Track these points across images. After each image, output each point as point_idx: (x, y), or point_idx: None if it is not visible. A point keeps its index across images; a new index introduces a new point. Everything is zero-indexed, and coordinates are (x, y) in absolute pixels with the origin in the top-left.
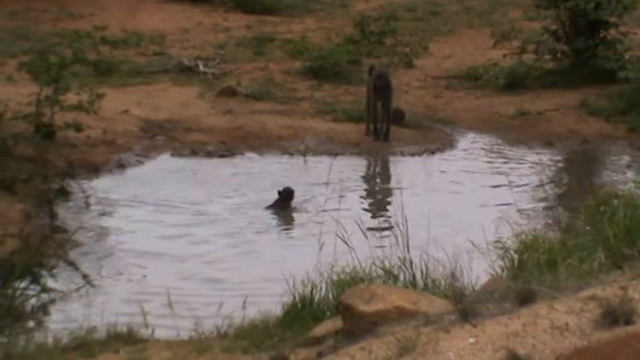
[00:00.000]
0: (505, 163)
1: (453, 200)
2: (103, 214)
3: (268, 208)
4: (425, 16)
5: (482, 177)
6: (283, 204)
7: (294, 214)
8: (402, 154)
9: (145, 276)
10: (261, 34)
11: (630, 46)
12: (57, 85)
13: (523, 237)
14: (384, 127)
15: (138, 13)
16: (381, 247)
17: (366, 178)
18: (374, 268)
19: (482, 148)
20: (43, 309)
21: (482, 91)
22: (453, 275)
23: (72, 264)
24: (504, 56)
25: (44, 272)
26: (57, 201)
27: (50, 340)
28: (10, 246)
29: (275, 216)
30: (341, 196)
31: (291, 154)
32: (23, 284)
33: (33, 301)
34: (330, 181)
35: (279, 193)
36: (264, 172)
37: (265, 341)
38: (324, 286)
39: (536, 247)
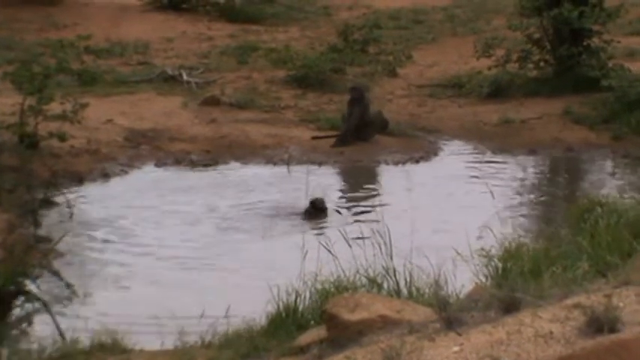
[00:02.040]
0: (489, 171)
1: (437, 208)
2: (86, 223)
3: (301, 215)
4: (408, 24)
5: (466, 185)
6: (315, 212)
7: (326, 221)
8: (386, 162)
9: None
10: (244, 43)
11: (613, 54)
12: (41, 94)
13: (507, 245)
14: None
15: (122, 23)
16: (365, 255)
17: (349, 187)
18: (358, 276)
19: (466, 157)
20: (27, 318)
21: (466, 99)
22: (437, 283)
23: (56, 273)
24: (489, 68)
25: (28, 282)
26: (41, 211)
27: (34, 349)
28: None
29: (306, 223)
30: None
31: (274, 163)
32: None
33: (17, 310)
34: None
35: (311, 202)
36: (247, 180)
37: (250, 350)
38: (308, 294)
39: (520, 255)
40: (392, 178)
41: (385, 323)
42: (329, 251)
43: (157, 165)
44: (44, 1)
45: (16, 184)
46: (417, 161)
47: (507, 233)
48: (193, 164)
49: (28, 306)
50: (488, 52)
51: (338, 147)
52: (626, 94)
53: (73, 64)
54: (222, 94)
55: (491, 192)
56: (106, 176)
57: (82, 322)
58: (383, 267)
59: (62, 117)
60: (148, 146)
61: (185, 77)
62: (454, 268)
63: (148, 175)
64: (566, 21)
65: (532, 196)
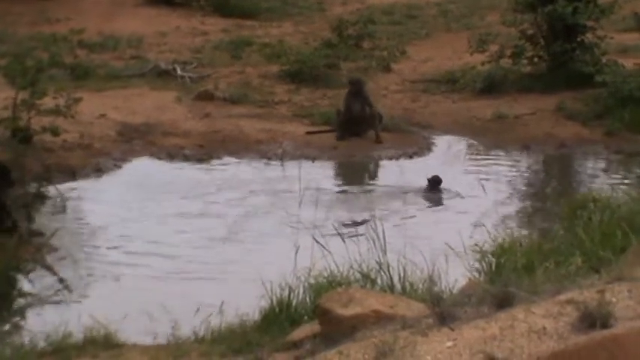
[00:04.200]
0: (482, 166)
1: (430, 203)
2: (79, 218)
3: (421, 194)
4: (402, 19)
5: (460, 180)
6: (432, 190)
7: (444, 198)
8: (380, 157)
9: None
10: (238, 38)
11: (607, 50)
12: (33, 88)
13: (500, 241)
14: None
15: (115, 17)
16: (359, 250)
17: (343, 182)
18: (351, 271)
19: (460, 152)
20: (20, 313)
21: (459, 94)
22: (430, 279)
23: (49, 268)
24: (482, 64)
25: (21, 276)
26: (34, 205)
27: (27, 344)
28: None
29: (426, 200)
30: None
31: (268, 158)
32: None
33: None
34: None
35: (429, 180)
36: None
37: (243, 345)
38: (301, 289)
39: (513, 250)
40: (384, 172)
41: (378, 318)
42: (322, 247)
43: (151, 160)
44: None
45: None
46: (411, 156)
47: (501, 229)
48: (187, 159)
49: (21, 300)
50: (482, 47)
51: (340, 140)
52: (620, 90)
53: (66, 58)
54: (216, 88)
55: (482, 187)
56: (99, 171)
57: (75, 316)
58: (376, 262)
59: (55, 111)
60: (141, 141)
61: (179, 72)
62: (447, 264)
63: (141, 169)
64: (560, 17)
65: (525, 191)
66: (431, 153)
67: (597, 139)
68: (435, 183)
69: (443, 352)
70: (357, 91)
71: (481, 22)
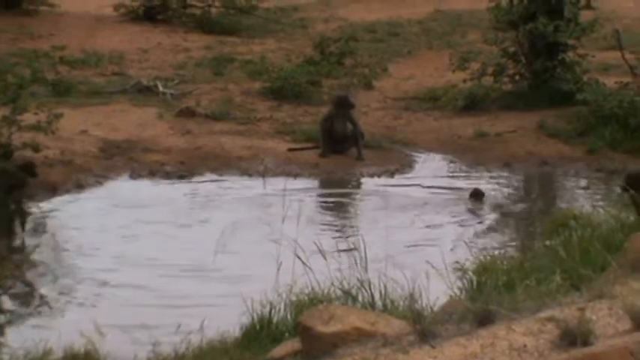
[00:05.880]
0: (463, 184)
1: (411, 221)
2: (59, 234)
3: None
4: (384, 37)
5: (440, 198)
6: (475, 202)
7: (488, 210)
8: (362, 174)
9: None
10: (220, 55)
11: (588, 68)
12: (15, 104)
13: (481, 258)
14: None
15: (97, 34)
16: (340, 268)
17: (325, 199)
18: (333, 288)
19: (441, 169)
20: (0, 329)
21: (441, 112)
22: (411, 296)
23: (29, 284)
24: (464, 81)
25: (1, 292)
26: (14, 221)
27: None
28: None
29: (471, 213)
30: None
31: (250, 175)
32: None
33: None
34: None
35: (470, 194)
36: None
37: None
38: (282, 306)
39: (494, 268)
40: (366, 189)
41: (359, 336)
42: (303, 263)
43: (132, 176)
44: (19, 11)
45: None
46: (392, 174)
47: (481, 246)
48: (168, 175)
49: (1, 317)
50: (464, 65)
51: (323, 157)
52: (601, 108)
53: (48, 75)
54: (198, 105)
55: (466, 206)
56: (80, 187)
57: (55, 333)
58: (358, 279)
59: (36, 127)
60: (123, 157)
61: (160, 88)
62: (428, 281)
63: (122, 185)
64: (542, 35)
65: (506, 209)
66: (412, 170)
67: (579, 157)
68: (477, 195)
69: None
70: (343, 107)
71: (463, 40)
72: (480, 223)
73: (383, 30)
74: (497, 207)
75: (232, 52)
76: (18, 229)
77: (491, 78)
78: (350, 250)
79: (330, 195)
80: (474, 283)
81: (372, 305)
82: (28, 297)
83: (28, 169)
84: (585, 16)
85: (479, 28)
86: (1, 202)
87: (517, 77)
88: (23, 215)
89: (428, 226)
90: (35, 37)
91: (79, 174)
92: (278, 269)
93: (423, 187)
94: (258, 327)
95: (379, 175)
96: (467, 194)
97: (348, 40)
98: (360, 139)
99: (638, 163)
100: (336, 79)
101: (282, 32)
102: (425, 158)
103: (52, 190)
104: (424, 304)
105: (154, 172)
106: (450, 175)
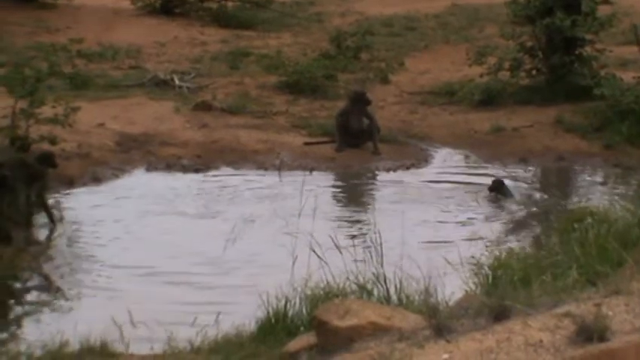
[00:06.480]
0: (480, 178)
1: (427, 216)
2: (76, 227)
3: (487, 197)
4: (401, 31)
5: (456, 193)
6: (498, 193)
7: (510, 201)
8: (377, 169)
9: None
10: (237, 49)
11: (606, 63)
12: (32, 98)
13: (497, 253)
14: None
15: (114, 27)
16: (355, 262)
17: (341, 193)
18: (348, 283)
19: (457, 164)
20: (17, 321)
21: (457, 107)
22: (427, 291)
23: (45, 277)
24: (481, 75)
25: (18, 285)
26: (32, 214)
27: (23, 352)
28: None
29: (494, 203)
30: None
31: (266, 169)
32: None
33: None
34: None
35: (490, 187)
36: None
37: (239, 356)
38: (298, 300)
39: (510, 263)
40: (382, 184)
41: (375, 330)
42: (319, 257)
43: (148, 170)
44: (36, 5)
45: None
46: (408, 168)
47: (497, 241)
48: (184, 169)
49: (18, 309)
50: (481, 60)
51: (339, 151)
52: (618, 103)
53: (65, 68)
54: (214, 99)
55: (477, 201)
56: (96, 180)
57: (72, 325)
58: (373, 273)
59: (53, 120)
60: (139, 151)
61: (177, 82)
62: (444, 276)
63: (139, 178)
64: (559, 29)
65: (522, 204)
66: (428, 165)
67: (596, 152)
68: (499, 185)
69: None
70: (359, 103)
71: (480, 35)
72: (496, 218)
73: (400, 24)
74: (513, 202)
75: (248, 46)
76: (37, 221)
77: (508, 73)
78: (364, 244)
79: (346, 189)
80: (490, 278)
81: (388, 300)
82: (44, 289)
83: (48, 159)
84: (603, 10)
85: (496, 22)
86: (20, 194)
87: (534, 72)
88: (47, 207)
89: (444, 221)
90: (52, 30)
91: (95, 167)
92: (293, 263)
93: (440, 181)
94: (273, 321)
95: (395, 170)
96: (483, 189)
97: (364, 34)
98: (375, 134)
99: None
100: (353, 73)
101: (298, 26)
102: (441, 153)
103: (69, 183)
104: (439, 299)
105: (171, 165)
106: (466, 170)
